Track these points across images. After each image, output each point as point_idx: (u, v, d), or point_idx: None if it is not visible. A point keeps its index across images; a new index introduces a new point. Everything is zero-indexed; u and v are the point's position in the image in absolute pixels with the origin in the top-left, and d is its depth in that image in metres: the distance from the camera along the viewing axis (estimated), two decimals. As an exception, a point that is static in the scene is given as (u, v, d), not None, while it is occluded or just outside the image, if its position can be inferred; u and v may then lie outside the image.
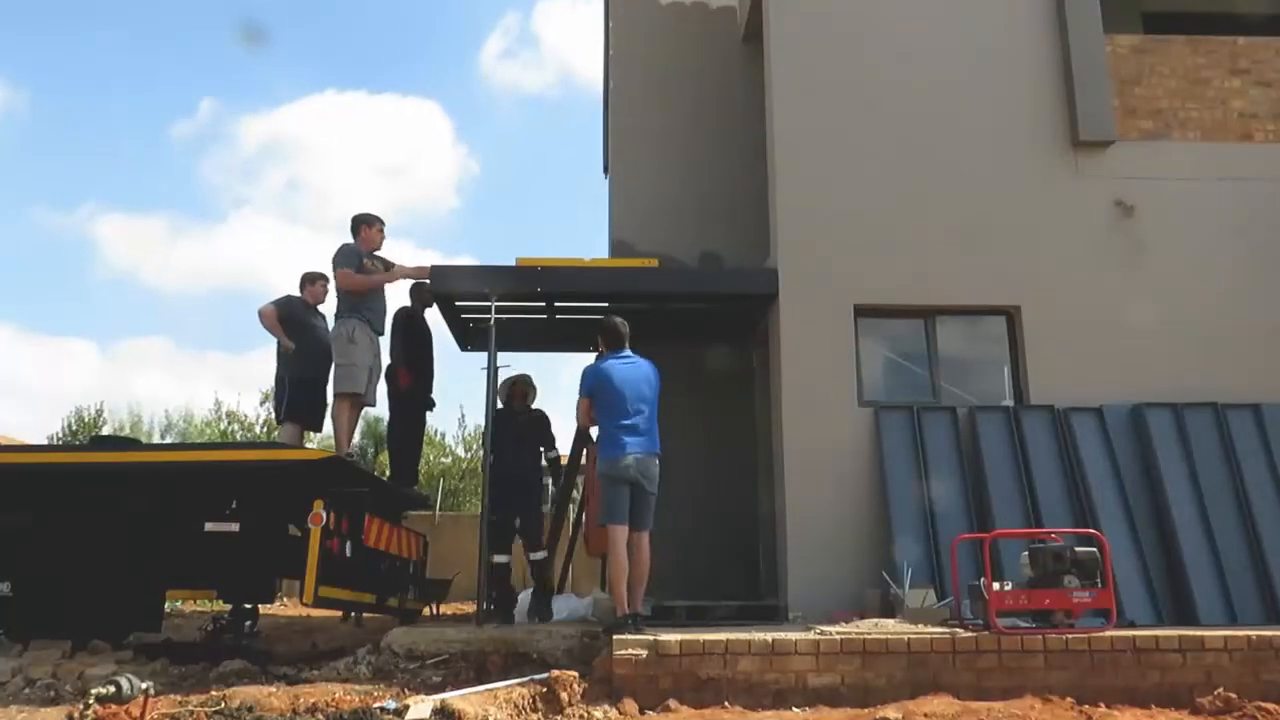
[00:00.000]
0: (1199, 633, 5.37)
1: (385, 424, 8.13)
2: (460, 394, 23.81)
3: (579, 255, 8.11)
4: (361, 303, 7.68)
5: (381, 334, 7.74)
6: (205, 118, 54.64)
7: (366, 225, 7.93)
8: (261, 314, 7.90)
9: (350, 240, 7.91)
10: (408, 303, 8.21)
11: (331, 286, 8.06)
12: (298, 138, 61.89)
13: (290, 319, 7.92)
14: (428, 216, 60.28)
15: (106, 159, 49.92)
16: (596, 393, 6.11)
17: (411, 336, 8.05)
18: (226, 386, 48.25)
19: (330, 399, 7.78)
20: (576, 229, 52.03)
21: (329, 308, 8.13)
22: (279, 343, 7.86)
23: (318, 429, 8.45)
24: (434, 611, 8.53)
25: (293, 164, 63.08)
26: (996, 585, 5.49)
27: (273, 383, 8.03)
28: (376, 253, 7.97)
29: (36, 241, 46.15)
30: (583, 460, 8.50)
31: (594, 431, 8.34)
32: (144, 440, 17.33)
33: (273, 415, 8.26)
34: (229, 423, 20.29)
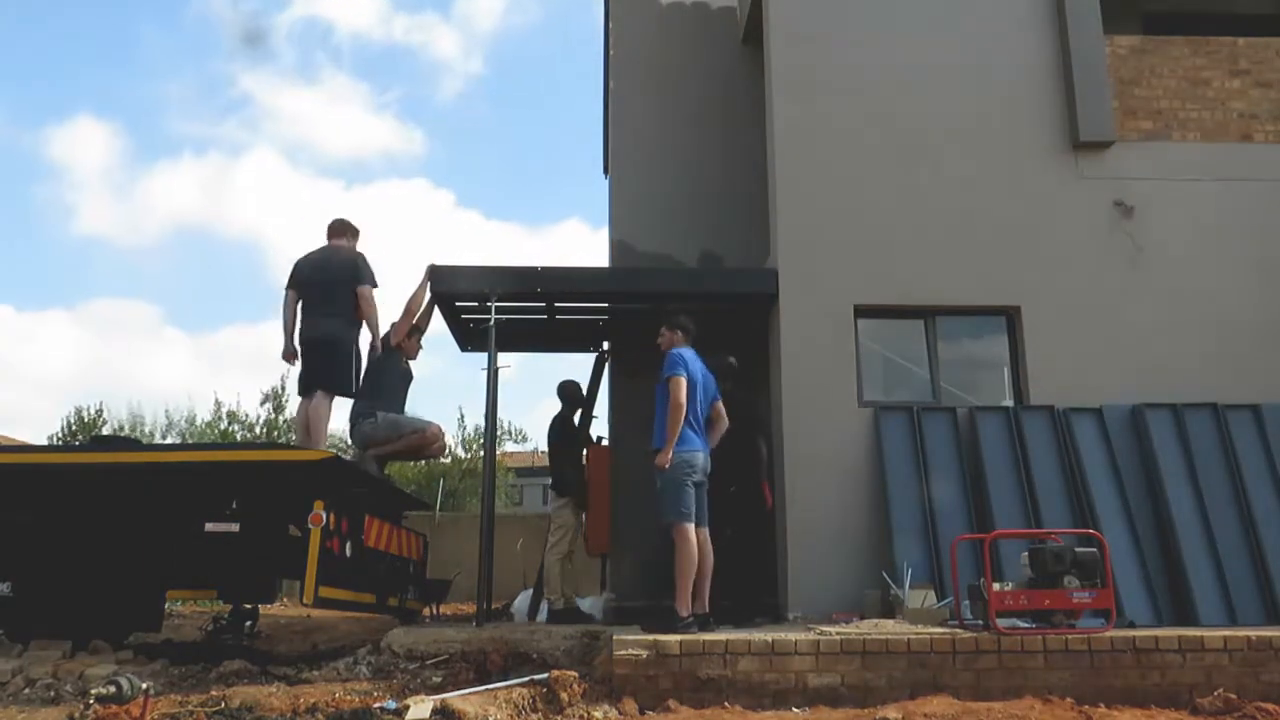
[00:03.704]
0: (1199, 633, 5.38)
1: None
2: (460, 394, 23.83)
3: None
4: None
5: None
6: None
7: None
8: (366, 297, 7.31)
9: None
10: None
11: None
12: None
13: None
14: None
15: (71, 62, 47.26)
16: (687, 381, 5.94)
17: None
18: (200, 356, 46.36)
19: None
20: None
21: None
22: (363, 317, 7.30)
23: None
24: (434, 612, 8.53)
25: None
26: (996, 585, 5.49)
27: (331, 348, 7.29)
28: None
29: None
30: (583, 461, 8.49)
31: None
32: (144, 440, 17.38)
33: (300, 389, 7.53)
34: (229, 423, 20.34)
